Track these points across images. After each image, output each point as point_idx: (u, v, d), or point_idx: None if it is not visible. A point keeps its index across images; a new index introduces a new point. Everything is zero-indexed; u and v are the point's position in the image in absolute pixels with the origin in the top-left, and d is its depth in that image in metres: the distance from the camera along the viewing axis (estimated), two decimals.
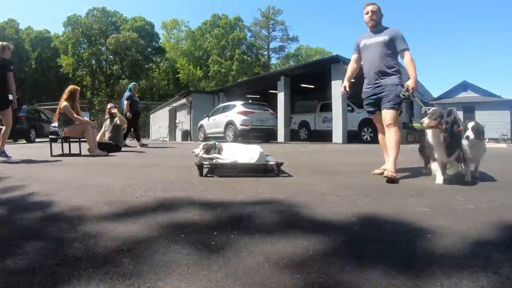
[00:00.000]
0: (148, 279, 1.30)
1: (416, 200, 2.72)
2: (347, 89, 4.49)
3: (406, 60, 4.03)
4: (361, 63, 4.45)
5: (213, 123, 16.41)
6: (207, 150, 4.50)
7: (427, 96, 32.22)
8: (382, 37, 4.08)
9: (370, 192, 3.03)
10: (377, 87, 4.12)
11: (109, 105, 9.16)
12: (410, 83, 3.85)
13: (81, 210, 2.30)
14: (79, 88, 7.79)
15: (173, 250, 1.59)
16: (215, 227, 1.92)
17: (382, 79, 4.09)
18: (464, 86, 32.64)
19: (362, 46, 4.28)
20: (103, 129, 8.92)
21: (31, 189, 3.06)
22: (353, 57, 4.51)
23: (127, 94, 11.29)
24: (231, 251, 1.58)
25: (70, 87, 7.50)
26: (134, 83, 12.30)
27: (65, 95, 7.22)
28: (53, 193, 2.88)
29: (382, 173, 3.85)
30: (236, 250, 1.59)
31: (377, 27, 4.20)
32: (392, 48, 4.07)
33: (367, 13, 4.17)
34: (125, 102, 11.01)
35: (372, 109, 4.32)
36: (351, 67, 4.53)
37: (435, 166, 3.70)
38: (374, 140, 15.89)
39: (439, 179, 3.58)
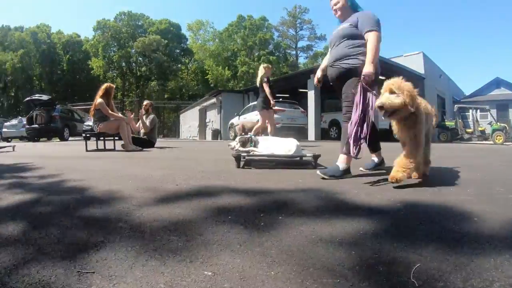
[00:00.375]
0: (200, 255, 1.33)
1: (457, 189, 2.67)
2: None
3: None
4: None
5: (244, 122, 16.45)
6: (243, 143, 4.51)
7: (459, 94, 31.37)
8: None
9: (411, 181, 2.98)
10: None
11: (145, 102, 9.30)
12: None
13: (121, 194, 2.37)
14: (114, 86, 8.00)
15: (222, 230, 1.62)
16: (261, 210, 1.95)
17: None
18: (497, 83, 31.37)
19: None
20: (139, 122, 9.04)
21: (69, 177, 3.19)
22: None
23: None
24: (282, 231, 1.61)
25: (106, 84, 7.74)
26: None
27: (100, 92, 7.44)
28: (91, 180, 2.98)
29: None
30: (287, 230, 1.61)
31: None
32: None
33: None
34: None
35: None
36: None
37: None
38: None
39: None
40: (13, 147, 8.42)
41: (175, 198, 2.28)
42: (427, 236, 1.53)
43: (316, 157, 3.98)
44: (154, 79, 54.31)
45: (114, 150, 7.29)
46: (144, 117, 8.83)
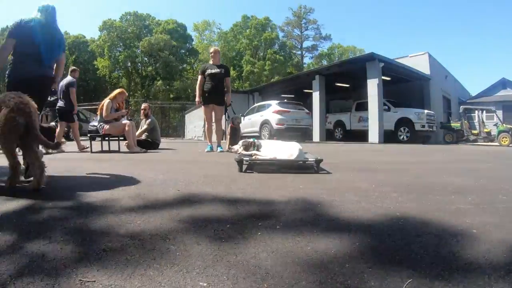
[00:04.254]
0: (197, 265, 1.35)
1: (458, 197, 2.67)
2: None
3: None
4: None
5: (249, 123, 16.54)
6: (246, 147, 4.55)
7: (465, 95, 31.15)
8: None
9: (412, 189, 3.00)
10: None
11: (143, 105, 9.34)
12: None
13: (122, 201, 2.40)
14: (125, 93, 8.06)
15: (219, 240, 1.64)
16: (258, 219, 1.97)
17: None
18: (503, 83, 31.07)
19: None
20: (140, 128, 9.10)
21: (70, 181, 3.22)
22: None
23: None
24: (279, 242, 1.62)
25: (119, 89, 7.90)
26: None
27: (111, 94, 7.57)
28: (93, 185, 3.00)
29: None
30: (284, 242, 1.63)
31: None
32: None
33: None
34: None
35: None
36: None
37: None
38: (411, 139, 15.71)
39: None
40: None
41: (176, 205, 2.30)
42: (422, 248, 1.54)
43: (318, 161, 4.00)
44: (160, 79, 54.42)
45: (118, 151, 7.36)
46: (143, 121, 8.91)
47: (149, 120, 8.95)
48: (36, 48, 3.53)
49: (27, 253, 1.47)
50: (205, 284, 1.21)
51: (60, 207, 2.23)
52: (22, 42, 3.49)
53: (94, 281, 1.22)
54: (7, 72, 3.55)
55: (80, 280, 1.23)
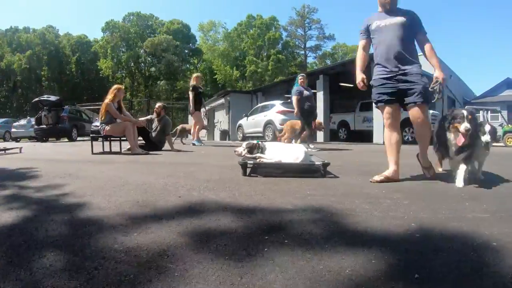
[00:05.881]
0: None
1: (473, 204, 2.54)
2: (365, 81, 3.93)
3: (428, 48, 3.65)
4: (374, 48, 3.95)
5: (252, 123, 16.43)
6: (250, 149, 4.42)
7: (469, 95, 30.94)
8: (400, 19, 3.65)
9: (424, 195, 2.87)
10: (401, 74, 3.61)
11: (158, 104, 9.15)
12: (439, 75, 3.48)
13: (120, 211, 2.26)
14: (122, 87, 7.94)
15: (223, 256, 1.53)
16: (265, 233, 1.84)
17: (405, 66, 3.60)
18: (508, 83, 30.88)
19: (375, 28, 3.80)
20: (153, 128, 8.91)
21: (69, 188, 3.10)
22: (362, 43, 3.97)
23: (295, 89, 9.14)
24: (287, 260, 1.50)
25: (115, 86, 7.67)
26: (302, 74, 9.66)
27: (109, 94, 7.39)
28: (91, 192, 2.87)
29: (384, 180, 3.52)
30: (293, 260, 1.50)
31: (392, 8, 3.77)
32: (410, 32, 3.67)
33: None
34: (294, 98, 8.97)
35: (387, 98, 3.75)
36: (362, 56, 3.97)
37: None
38: (415, 141, 15.44)
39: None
40: (20, 148, 8.44)
41: (176, 214, 2.17)
42: (445, 265, 1.42)
43: (325, 165, 3.86)
44: (163, 79, 54.46)
45: (120, 153, 7.25)
46: (156, 120, 8.75)
47: (164, 120, 8.74)
48: None
49: (14, 271, 1.35)
50: None
51: (49, 220, 2.08)
52: None
53: None
54: None
55: None
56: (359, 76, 3.88)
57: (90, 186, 3.12)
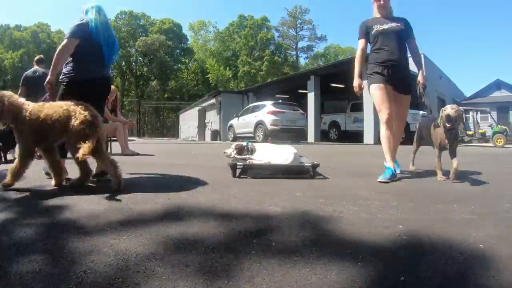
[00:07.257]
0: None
1: (460, 206, 2.56)
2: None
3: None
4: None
5: (243, 123, 16.43)
6: (239, 150, 4.42)
7: (459, 96, 31.25)
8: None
9: (412, 197, 2.89)
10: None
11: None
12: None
13: (106, 215, 2.19)
14: (115, 88, 7.86)
15: (207, 266, 1.50)
16: (253, 236, 1.82)
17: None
18: (498, 84, 31.35)
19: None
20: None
21: (54, 190, 3.05)
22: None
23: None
24: (276, 269, 1.48)
25: None
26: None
27: None
28: (77, 195, 2.81)
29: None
30: (286, 268, 1.49)
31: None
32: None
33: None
34: None
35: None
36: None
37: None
38: (407, 141, 15.59)
39: None
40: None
41: (165, 217, 2.12)
42: (430, 272, 1.42)
43: (314, 166, 3.87)
44: (154, 78, 54.23)
45: (110, 153, 7.19)
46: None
47: None
48: (98, 48, 3.49)
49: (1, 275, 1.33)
50: None
51: (38, 223, 2.03)
52: (85, 42, 3.40)
53: None
54: (64, 72, 3.48)
55: None
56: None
57: (75, 190, 3.07)
